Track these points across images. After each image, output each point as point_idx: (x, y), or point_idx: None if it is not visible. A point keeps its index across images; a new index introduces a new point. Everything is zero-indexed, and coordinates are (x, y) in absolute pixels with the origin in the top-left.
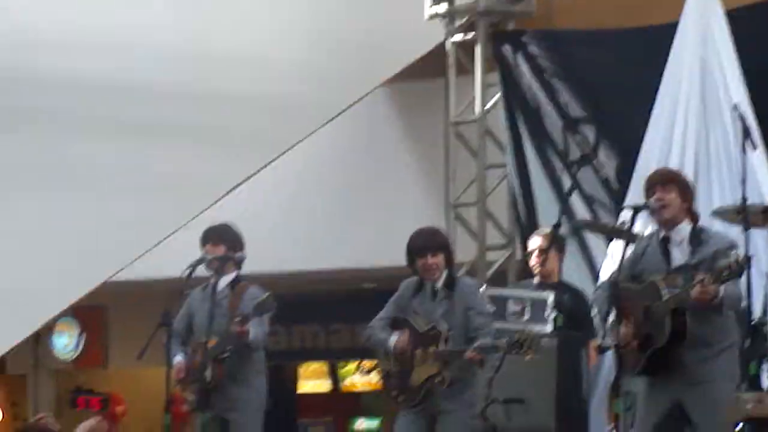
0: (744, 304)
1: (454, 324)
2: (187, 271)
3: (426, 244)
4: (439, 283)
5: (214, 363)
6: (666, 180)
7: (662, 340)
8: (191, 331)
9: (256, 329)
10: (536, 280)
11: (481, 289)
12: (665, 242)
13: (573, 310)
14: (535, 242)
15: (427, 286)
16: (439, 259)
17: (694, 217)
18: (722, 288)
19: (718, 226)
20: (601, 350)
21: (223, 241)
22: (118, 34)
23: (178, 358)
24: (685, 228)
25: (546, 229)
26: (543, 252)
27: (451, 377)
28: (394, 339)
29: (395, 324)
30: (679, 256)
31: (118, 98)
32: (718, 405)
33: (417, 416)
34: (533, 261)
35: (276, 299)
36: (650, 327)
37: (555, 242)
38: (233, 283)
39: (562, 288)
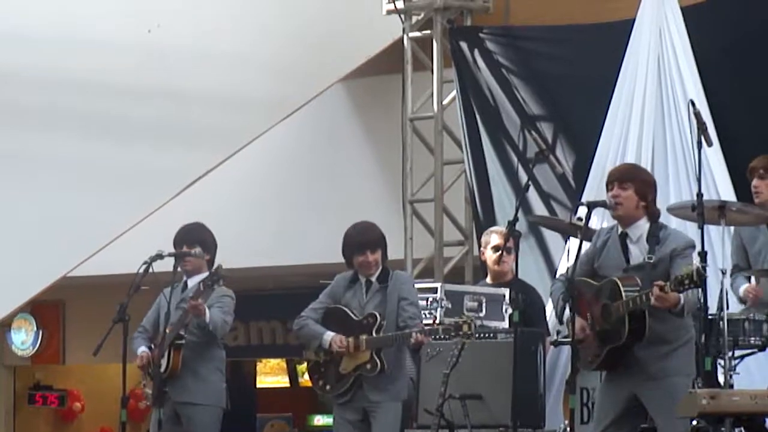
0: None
1: (386, 314)
2: (144, 267)
3: (364, 241)
4: (374, 277)
5: (171, 350)
6: (624, 177)
7: (621, 339)
8: (159, 328)
9: (216, 313)
10: (489, 279)
11: (437, 285)
12: (624, 237)
13: (527, 308)
14: (493, 239)
15: (362, 280)
16: (377, 255)
17: (652, 215)
18: (682, 295)
19: (673, 223)
20: (557, 344)
21: (198, 241)
22: (78, 29)
23: (143, 348)
24: (642, 226)
25: (502, 228)
26: (499, 250)
27: (381, 364)
28: (330, 336)
29: (328, 313)
30: (637, 253)
31: (77, 92)
32: (676, 400)
33: (350, 413)
34: (489, 258)
35: (234, 295)
36: (608, 325)
37: (509, 241)
38: (203, 282)
39: (517, 286)
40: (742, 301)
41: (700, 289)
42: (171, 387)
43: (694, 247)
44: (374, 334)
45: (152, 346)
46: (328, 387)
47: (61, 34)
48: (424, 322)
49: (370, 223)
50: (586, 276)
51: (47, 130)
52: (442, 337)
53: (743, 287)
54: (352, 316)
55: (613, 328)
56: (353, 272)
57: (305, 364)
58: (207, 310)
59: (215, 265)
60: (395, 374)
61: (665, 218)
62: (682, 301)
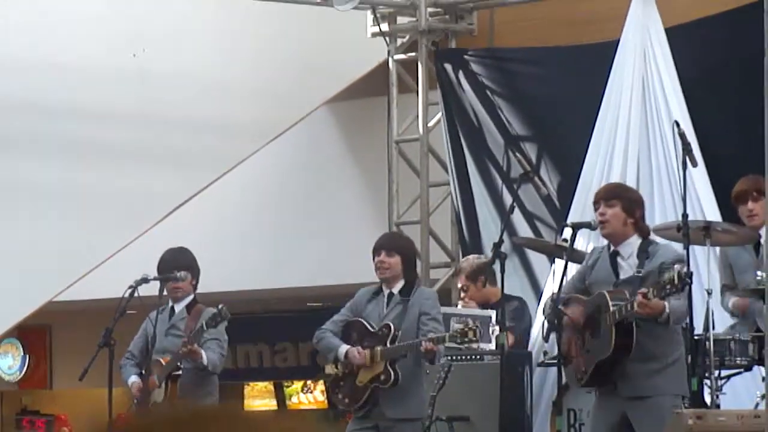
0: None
1: (406, 327)
2: (129, 291)
3: (382, 242)
4: (396, 290)
5: (167, 381)
6: (610, 195)
7: (607, 352)
8: (148, 353)
9: (211, 353)
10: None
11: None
12: (615, 256)
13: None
14: (459, 280)
15: (384, 292)
16: (394, 260)
17: (642, 232)
18: (667, 303)
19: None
20: (544, 365)
21: (184, 266)
22: (63, 54)
23: (134, 378)
24: (633, 243)
25: (469, 259)
26: (463, 290)
27: (395, 376)
28: (346, 348)
29: (348, 326)
30: (627, 268)
31: (62, 117)
32: (663, 420)
33: (365, 430)
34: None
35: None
36: (596, 339)
37: (480, 273)
38: (190, 306)
39: (506, 301)
40: (733, 314)
41: (686, 299)
42: None
43: (683, 260)
44: (389, 344)
45: (142, 372)
46: (346, 400)
47: (46, 59)
48: None
49: (398, 232)
50: (577, 293)
51: (33, 156)
52: (449, 345)
53: (732, 300)
54: (369, 328)
55: (601, 342)
56: (378, 285)
57: (322, 381)
58: (203, 354)
59: (219, 306)
60: (411, 389)
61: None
62: (666, 309)
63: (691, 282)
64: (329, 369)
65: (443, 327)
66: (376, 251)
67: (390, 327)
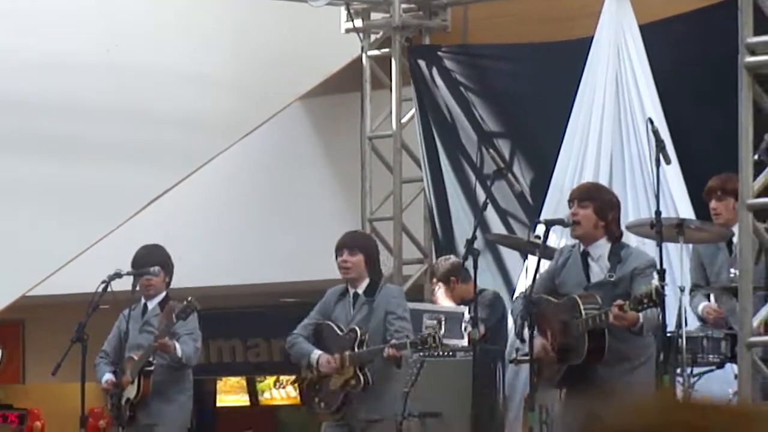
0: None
1: (373, 328)
2: (102, 286)
3: (345, 241)
4: (361, 289)
5: (140, 376)
6: (584, 196)
7: (579, 357)
8: (121, 351)
9: (186, 346)
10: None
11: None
12: (585, 256)
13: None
14: (432, 284)
15: (350, 293)
16: (356, 258)
17: (613, 235)
18: (641, 315)
19: (632, 240)
20: (516, 362)
21: (158, 262)
22: (37, 49)
23: (108, 376)
24: (603, 245)
25: (439, 262)
26: (436, 292)
27: (365, 380)
28: (317, 354)
29: (317, 330)
30: (598, 271)
31: (36, 112)
32: None
33: (340, 429)
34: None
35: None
36: (568, 343)
37: (451, 274)
38: (162, 303)
39: (479, 296)
40: (701, 319)
41: (659, 309)
42: (140, 411)
43: (655, 266)
44: (356, 349)
45: (116, 370)
46: (322, 404)
47: (17, 54)
48: None
49: (363, 231)
50: (546, 292)
51: (5, 150)
52: (411, 350)
53: (702, 305)
54: (338, 331)
55: (573, 346)
56: (344, 285)
57: (299, 383)
58: (176, 346)
59: (188, 298)
60: (383, 389)
61: (624, 236)
62: (641, 320)
63: (664, 280)
64: (305, 373)
65: (410, 324)
66: (338, 250)
67: (356, 331)
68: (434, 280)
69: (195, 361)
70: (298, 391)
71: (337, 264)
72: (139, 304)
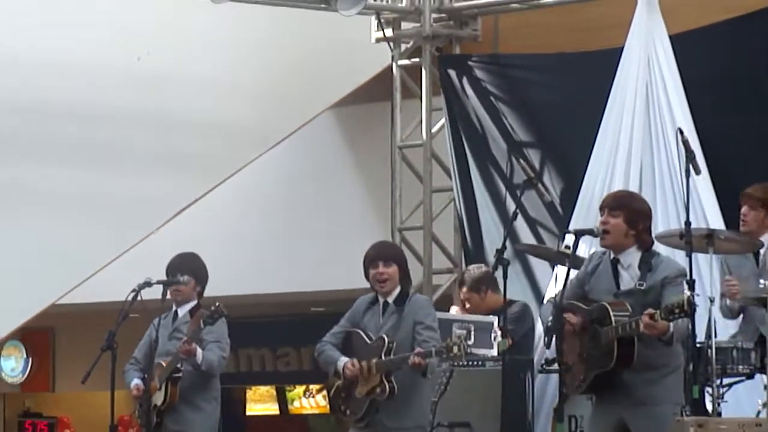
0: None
1: (401, 337)
2: (132, 294)
3: (379, 253)
4: (391, 299)
5: (168, 383)
6: (615, 205)
7: (609, 364)
8: (152, 358)
9: (209, 353)
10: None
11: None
12: (615, 263)
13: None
14: (462, 294)
15: (380, 302)
16: (392, 270)
17: (643, 244)
18: (672, 324)
19: (661, 250)
20: (545, 371)
21: (190, 271)
22: (66, 56)
23: (136, 381)
24: (633, 254)
25: (470, 270)
26: (466, 302)
27: (391, 388)
28: (344, 361)
29: (347, 338)
30: (628, 278)
31: (66, 120)
32: (663, 428)
33: None
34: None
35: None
36: (597, 350)
37: (482, 283)
38: (192, 310)
39: (508, 305)
40: (725, 314)
41: (689, 319)
42: (167, 418)
43: (685, 275)
44: (383, 357)
45: (145, 377)
46: (348, 412)
47: (49, 60)
48: None
49: (392, 242)
50: (575, 299)
51: (35, 159)
52: (437, 359)
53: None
54: (366, 339)
55: (602, 353)
56: (374, 294)
57: (325, 391)
58: (199, 352)
59: (216, 304)
60: (411, 399)
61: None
62: (671, 330)
63: (693, 291)
64: (332, 381)
65: (438, 334)
66: (371, 263)
67: (384, 339)
68: (465, 289)
69: (219, 370)
70: (327, 399)
71: (372, 276)
72: (170, 312)
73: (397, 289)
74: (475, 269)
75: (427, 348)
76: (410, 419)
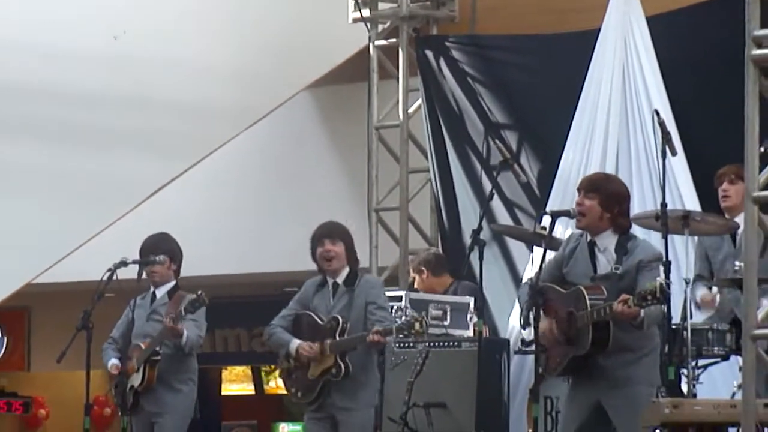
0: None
1: (354, 318)
2: (107, 274)
3: (325, 231)
4: (340, 279)
5: (146, 365)
6: (591, 187)
7: (584, 348)
8: (129, 338)
9: (191, 332)
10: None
11: (402, 293)
12: (592, 246)
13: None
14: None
15: (329, 283)
16: (338, 248)
17: (619, 227)
18: (643, 310)
19: (637, 232)
20: (521, 352)
21: (165, 251)
22: (42, 35)
23: (114, 361)
24: (608, 236)
25: (421, 252)
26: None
27: (346, 368)
28: (297, 343)
29: (297, 320)
30: (605, 262)
31: (43, 100)
32: (639, 409)
33: (319, 421)
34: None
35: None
36: (573, 333)
37: (423, 264)
38: (171, 292)
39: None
40: (699, 307)
41: (664, 306)
42: (144, 399)
43: (661, 259)
44: (337, 337)
45: (122, 357)
46: (299, 394)
47: (25, 41)
48: None
49: (334, 221)
50: (553, 281)
51: (12, 138)
52: (397, 337)
53: (700, 293)
54: (318, 320)
55: (577, 337)
56: (322, 276)
57: (277, 372)
58: (185, 333)
59: (198, 292)
60: (363, 380)
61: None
62: (642, 315)
63: (669, 272)
64: (282, 363)
65: (390, 314)
66: (318, 240)
67: (338, 319)
68: (410, 269)
69: (197, 350)
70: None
71: (319, 254)
72: (148, 293)
73: (346, 270)
74: (422, 252)
75: (384, 326)
76: (362, 400)
